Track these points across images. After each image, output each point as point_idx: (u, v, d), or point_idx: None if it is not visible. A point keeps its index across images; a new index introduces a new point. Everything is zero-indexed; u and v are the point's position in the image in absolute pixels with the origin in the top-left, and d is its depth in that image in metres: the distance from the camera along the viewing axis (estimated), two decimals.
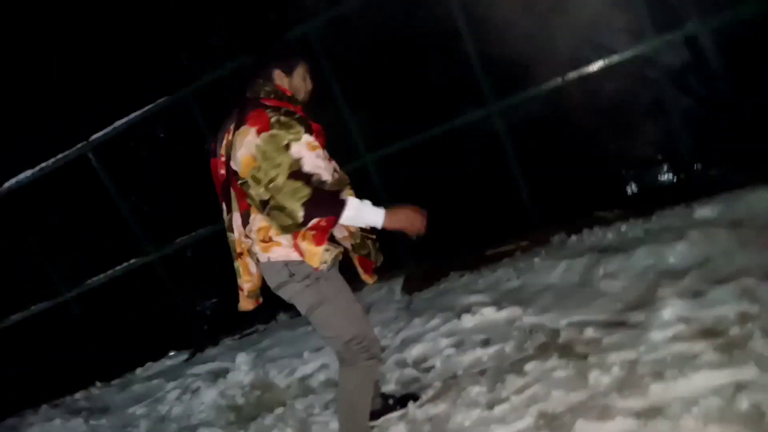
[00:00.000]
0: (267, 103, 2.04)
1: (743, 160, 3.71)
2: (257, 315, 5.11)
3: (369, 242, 2.27)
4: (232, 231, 2.22)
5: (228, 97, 2.49)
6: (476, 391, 2.50)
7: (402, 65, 4.36)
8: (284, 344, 4.12)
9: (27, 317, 5.64)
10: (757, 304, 2.25)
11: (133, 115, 4.97)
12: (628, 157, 4.37)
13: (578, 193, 4.27)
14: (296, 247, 2.02)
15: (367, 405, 2.26)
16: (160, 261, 5.24)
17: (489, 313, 3.14)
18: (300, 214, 1.91)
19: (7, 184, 5.37)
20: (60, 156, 5.19)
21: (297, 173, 1.93)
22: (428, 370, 2.92)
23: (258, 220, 2.08)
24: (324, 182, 2.02)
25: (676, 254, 2.91)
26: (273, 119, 1.95)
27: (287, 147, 1.94)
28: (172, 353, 5.20)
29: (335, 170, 2.18)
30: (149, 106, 4.92)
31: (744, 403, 1.78)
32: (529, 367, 2.50)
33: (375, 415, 2.47)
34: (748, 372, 1.89)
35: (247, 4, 4.68)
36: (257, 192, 1.96)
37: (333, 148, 2.22)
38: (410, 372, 2.97)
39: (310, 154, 2.00)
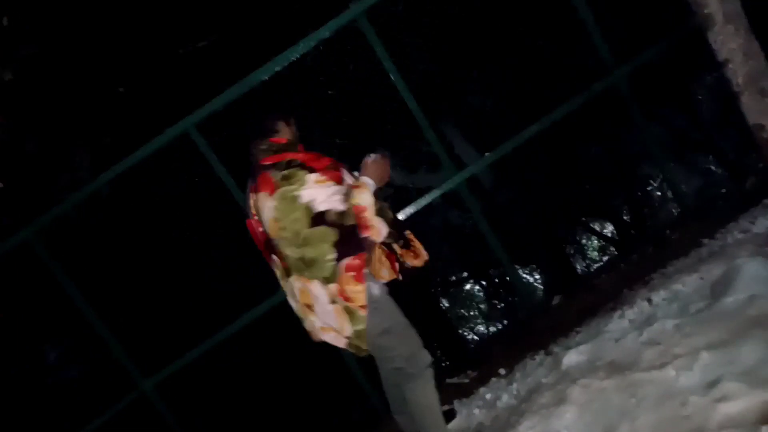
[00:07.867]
0: (267, 163, 2.09)
1: None
2: None
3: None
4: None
5: None
6: None
7: None
8: None
9: None
10: None
11: None
12: None
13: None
14: (342, 294, 2.01)
15: (439, 408, 2.25)
16: None
17: None
18: (331, 257, 1.99)
19: None
20: None
21: (316, 218, 2.00)
22: None
23: (297, 282, 2.10)
24: (343, 212, 2.02)
25: None
26: (276, 178, 2.03)
27: (297, 197, 2.00)
28: None
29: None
30: None
31: None
32: None
33: None
34: None
35: None
36: (291, 251, 2.04)
37: None
38: None
39: (321, 191, 2.01)
